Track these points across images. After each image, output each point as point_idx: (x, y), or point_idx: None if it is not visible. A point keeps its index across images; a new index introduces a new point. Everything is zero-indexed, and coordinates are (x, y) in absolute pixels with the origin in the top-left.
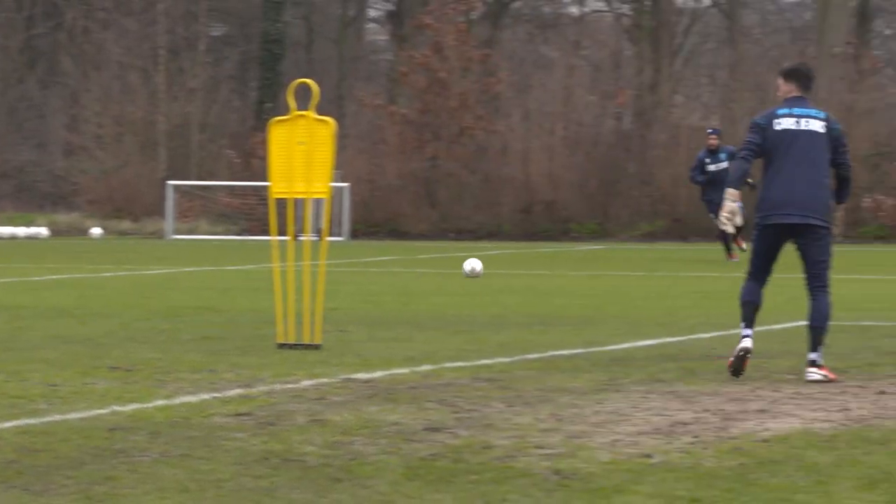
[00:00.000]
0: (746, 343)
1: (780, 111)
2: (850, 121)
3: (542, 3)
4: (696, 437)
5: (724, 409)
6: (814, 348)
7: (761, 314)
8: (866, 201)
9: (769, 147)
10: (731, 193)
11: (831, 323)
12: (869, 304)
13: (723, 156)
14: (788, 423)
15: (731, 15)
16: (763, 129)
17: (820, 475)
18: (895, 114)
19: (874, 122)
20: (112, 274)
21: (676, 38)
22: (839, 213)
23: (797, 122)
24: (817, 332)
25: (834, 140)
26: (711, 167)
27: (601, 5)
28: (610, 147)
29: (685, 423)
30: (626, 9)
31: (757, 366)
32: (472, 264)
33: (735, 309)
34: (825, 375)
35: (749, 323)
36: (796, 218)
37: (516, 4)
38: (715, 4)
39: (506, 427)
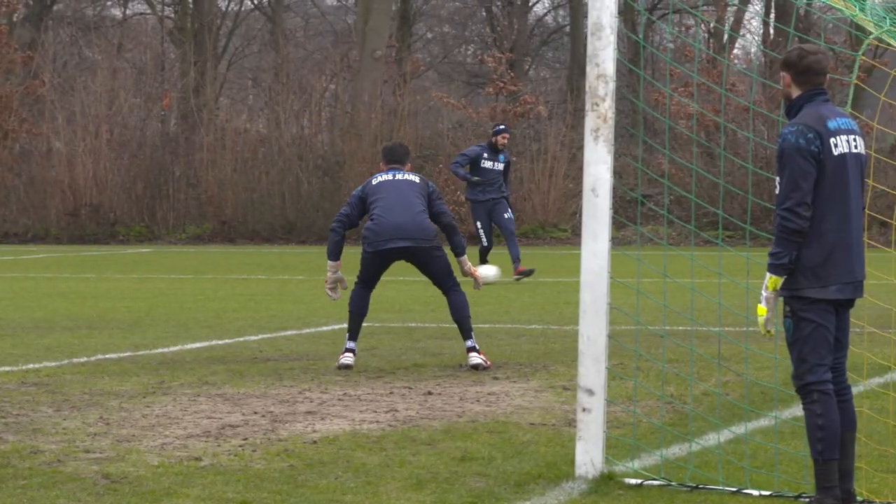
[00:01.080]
0: (348, 360)
1: (379, 175)
2: (393, 124)
3: (85, 5)
4: (245, 439)
5: (272, 412)
6: (467, 336)
7: (313, 316)
8: None
9: (373, 197)
10: (332, 265)
11: (381, 325)
12: (415, 306)
13: (502, 157)
14: (337, 424)
15: (274, 18)
16: (360, 195)
17: (368, 476)
18: (438, 116)
19: (418, 125)
20: None
21: (220, 41)
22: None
23: (393, 175)
24: (463, 323)
25: (429, 193)
26: (488, 164)
27: (144, 8)
28: (155, 149)
29: (234, 426)
30: (169, 11)
31: (305, 367)
32: (486, 271)
33: (282, 312)
34: (484, 360)
35: (353, 335)
36: (410, 242)
37: (59, 6)
38: (257, 8)
39: (54, 432)
